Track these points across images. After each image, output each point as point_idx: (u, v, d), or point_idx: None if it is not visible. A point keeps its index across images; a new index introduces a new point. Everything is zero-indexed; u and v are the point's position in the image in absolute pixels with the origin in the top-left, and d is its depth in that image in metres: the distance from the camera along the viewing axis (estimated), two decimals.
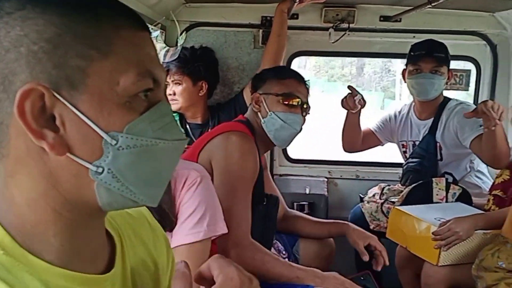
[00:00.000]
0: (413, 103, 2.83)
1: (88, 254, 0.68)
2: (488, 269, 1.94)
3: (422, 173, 2.63)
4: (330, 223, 2.25)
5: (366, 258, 1.98)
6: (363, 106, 2.63)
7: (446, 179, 2.48)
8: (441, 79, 2.60)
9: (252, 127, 1.98)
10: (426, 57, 2.58)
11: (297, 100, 1.96)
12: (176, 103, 2.64)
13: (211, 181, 1.49)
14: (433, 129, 2.67)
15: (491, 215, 2.20)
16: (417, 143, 2.74)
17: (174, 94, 2.64)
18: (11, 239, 0.62)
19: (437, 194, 2.44)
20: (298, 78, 2.03)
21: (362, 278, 1.83)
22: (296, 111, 1.97)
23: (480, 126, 2.39)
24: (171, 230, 1.43)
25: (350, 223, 2.19)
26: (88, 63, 0.60)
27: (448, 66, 2.62)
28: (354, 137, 2.85)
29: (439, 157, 2.67)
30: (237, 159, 1.77)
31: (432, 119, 2.69)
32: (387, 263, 1.97)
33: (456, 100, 2.72)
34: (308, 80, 2.09)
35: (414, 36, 2.97)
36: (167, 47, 2.57)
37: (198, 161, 1.78)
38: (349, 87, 2.65)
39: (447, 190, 2.44)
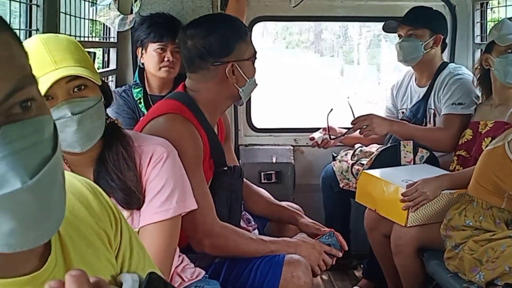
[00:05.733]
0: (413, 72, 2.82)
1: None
2: (456, 228, 1.97)
3: None
4: (283, 208, 2.06)
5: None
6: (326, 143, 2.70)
7: (414, 142, 2.49)
8: (417, 42, 2.58)
9: (191, 98, 1.76)
10: (401, 22, 2.66)
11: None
12: (174, 72, 2.54)
13: (178, 156, 1.42)
14: (426, 95, 2.66)
15: (457, 175, 2.23)
16: None
17: (173, 61, 2.51)
18: None
19: (404, 157, 2.45)
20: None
21: (326, 237, 1.84)
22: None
23: (458, 104, 2.48)
24: (138, 209, 1.37)
25: (303, 215, 2.02)
26: None
27: (432, 29, 2.61)
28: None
29: (432, 123, 2.65)
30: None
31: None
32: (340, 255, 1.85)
33: (454, 66, 2.68)
34: None
35: None
36: (122, 15, 2.43)
37: None
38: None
39: (414, 153, 2.46)
